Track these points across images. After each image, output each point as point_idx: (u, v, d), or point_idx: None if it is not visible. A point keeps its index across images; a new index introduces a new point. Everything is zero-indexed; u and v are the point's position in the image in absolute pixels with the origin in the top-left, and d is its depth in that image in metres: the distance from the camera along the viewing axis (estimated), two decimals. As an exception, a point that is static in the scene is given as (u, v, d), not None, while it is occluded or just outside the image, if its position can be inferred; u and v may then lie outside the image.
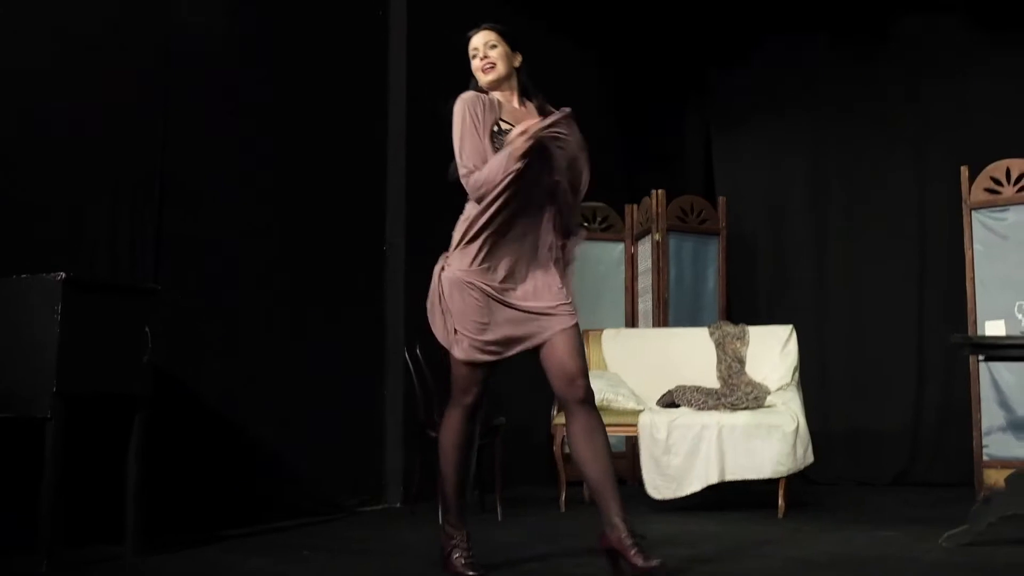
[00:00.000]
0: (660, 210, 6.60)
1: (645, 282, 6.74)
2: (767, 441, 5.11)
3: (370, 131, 5.79)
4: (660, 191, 6.64)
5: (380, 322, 5.70)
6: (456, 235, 3.38)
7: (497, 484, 5.04)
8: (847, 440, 6.82)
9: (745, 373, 5.62)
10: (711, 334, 5.81)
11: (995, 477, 5.72)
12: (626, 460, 6.33)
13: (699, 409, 5.30)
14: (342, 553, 3.97)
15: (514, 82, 3.53)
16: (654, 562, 3.11)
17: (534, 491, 5.98)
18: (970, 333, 5.81)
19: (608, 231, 6.95)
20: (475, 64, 3.56)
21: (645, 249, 6.75)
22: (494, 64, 3.52)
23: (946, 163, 6.60)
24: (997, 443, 5.90)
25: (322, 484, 5.18)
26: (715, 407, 5.31)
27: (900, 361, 6.88)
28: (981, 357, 4.48)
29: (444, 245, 3.42)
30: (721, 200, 6.98)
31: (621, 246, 6.95)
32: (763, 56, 7.37)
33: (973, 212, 6.07)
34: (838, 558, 3.77)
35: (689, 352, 5.78)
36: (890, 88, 7.07)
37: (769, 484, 5.21)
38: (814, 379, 6.78)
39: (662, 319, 6.52)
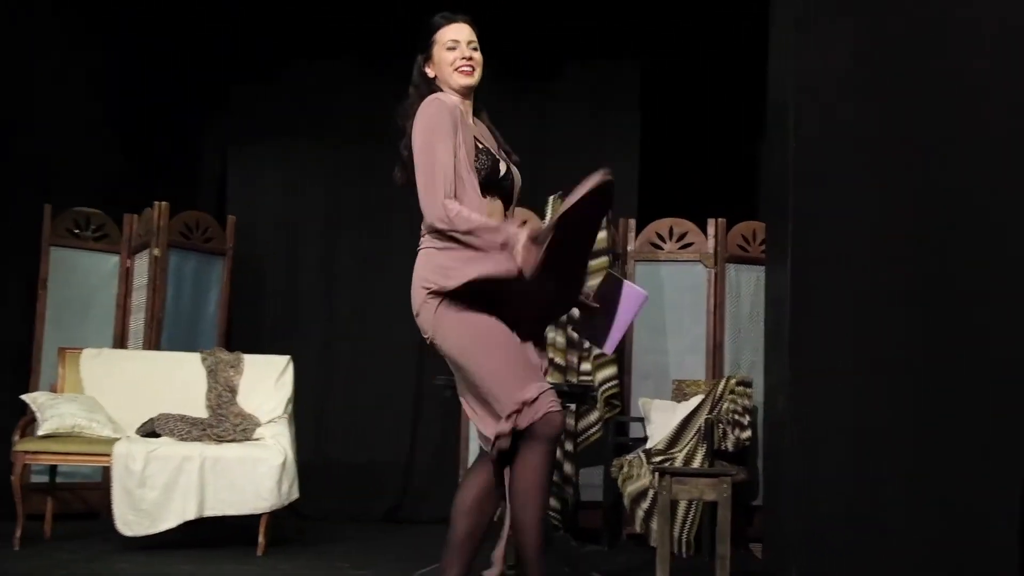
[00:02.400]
0: (162, 223, 6.40)
1: (139, 299, 6.48)
2: (252, 475, 5.10)
3: None
4: (164, 203, 6.44)
5: None
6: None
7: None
8: (342, 475, 6.96)
9: (236, 403, 5.57)
10: (203, 360, 5.71)
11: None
12: (100, 492, 6.01)
13: (182, 439, 5.19)
14: None
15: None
16: None
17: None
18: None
19: (102, 241, 6.61)
20: (449, 58, 3.27)
21: (142, 264, 6.50)
22: (474, 69, 3.28)
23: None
24: (481, 481, 6.31)
25: None
26: (200, 438, 5.22)
27: (401, 398, 7.15)
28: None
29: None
30: (230, 219, 6.90)
31: (116, 258, 6.63)
32: (291, 76, 7.41)
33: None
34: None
35: (178, 378, 5.63)
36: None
37: (254, 520, 5.20)
38: (313, 412, 6.88)
39: (154, 341, 6.30)
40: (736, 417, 5.48)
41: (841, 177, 3.82)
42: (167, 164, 7.42)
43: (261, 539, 5.12)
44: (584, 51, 7.17)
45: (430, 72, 3.38)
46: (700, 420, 5.45)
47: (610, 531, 5.89)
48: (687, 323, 6.25)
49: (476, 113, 3.38)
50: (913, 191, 3.78)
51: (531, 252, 2.99)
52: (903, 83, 3.83)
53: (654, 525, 5.09)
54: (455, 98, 3.29)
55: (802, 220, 3.84)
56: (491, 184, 3.24)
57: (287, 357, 5.77)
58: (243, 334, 6.92)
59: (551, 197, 5.99)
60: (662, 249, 6.35)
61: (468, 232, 3.11)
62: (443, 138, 3.16)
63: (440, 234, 3.20)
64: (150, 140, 7.37)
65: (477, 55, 3.31)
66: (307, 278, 7.32)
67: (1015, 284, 3.69)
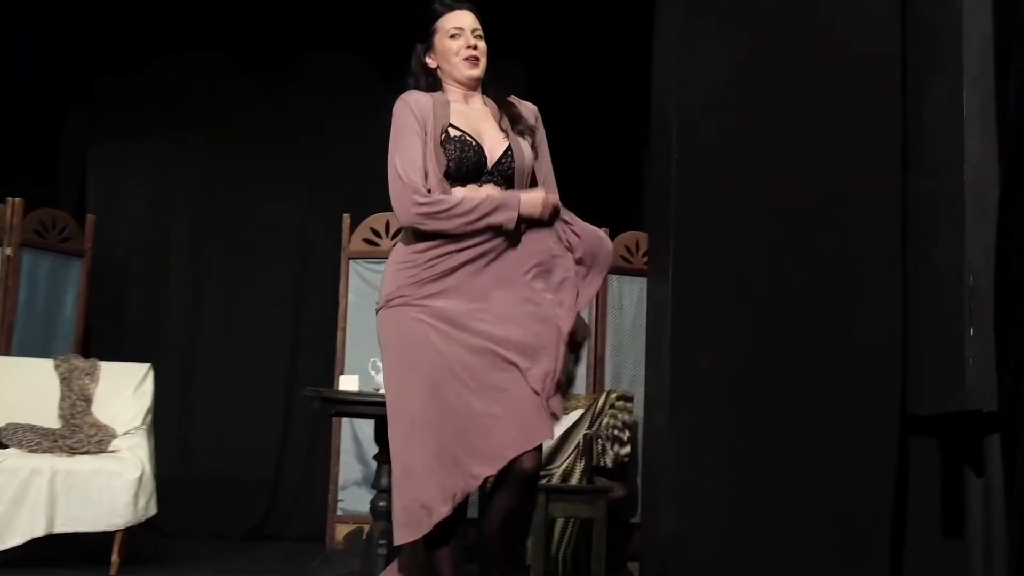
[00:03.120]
0: (15, 221, 6.12)
1: (-11, 301, 6.18)
2: (106, 489, 4.91)
3: None
4: (17, 200, 6.15)
5: None
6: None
7: None
8: (205, 490, 6.76)
9: (91, 413, 5.35)
10: (56, 367, 5.47)
11: (346, 532, 6.01)
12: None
13: (31, 451, 4.98)
14: None
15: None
16: None
17: None
18: (335, 387, 6.07)
19: (-51, 238, 6.29)
20: (454, 47, 3.17)
21: (-7, 264, 6.20)
22: (479, 59, 3.19)
23: (335, 209, 6.85)
24: (352, 498, 6.18)
25: None
26: (51, 449, 5.00)
27: (270, 410, 7.00)
28: (332, 412, 4.71)
29: None
30: (90, 219, 6.64)
31: (-35, 257, 6.32)
32: (159, 69, 7.19)
33: (351, 261, 6.39)
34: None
35: (29, 386, 5.39)
36: (291, 122, 7.22)
37: (108, 537, 5.00)
38: (176, 424, 6.72)
39: (4, 345, 6.01)
40: (616, 432, 5.48)
41: (722, 187, 3.84)
42: (23, 159, 7.13)
43: (115, 557, 4.93)
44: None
45: (431, 62, 3.31)
46: (579, 435, 5.43)
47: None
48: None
49: (484, 94, 3.32)
50: (789, 202, 3.83)
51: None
52: (786, 93, 3.87)
53: (529, 543, 5.04)
54: (451, 90, 3.27)
55: (684, 230, 3.84)
56: (470, 171, 3.16)
57: (147, 365, 5.59)
58: (102, 340, 6.69)
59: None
60: (630, 263, 6.33)
61: (450, 210, 3.05)
62: (406, 135, 3.13)
63: (417, 238, 3.13)
64: (3, 133, 7.06)
65: (482, 44, 3.26)
66: (172, 282, 7.13)
67: (878, 291, 3.77)
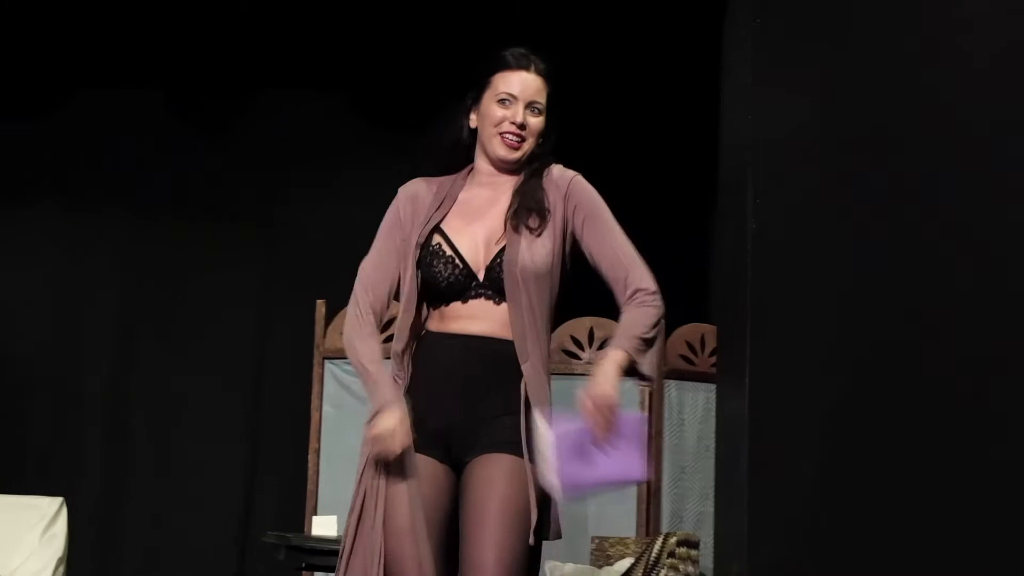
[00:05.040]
0: None
1: None
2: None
3: None
4: None
5: None
6: None
7: None
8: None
9: (-19, 563, 5.42)
10: (-64, 503, 5.55)
11: None
12: None
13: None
14: None
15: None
16: None
17: None
18: (306, 529, 6.05)
19: None
20: (497, 115, 3.27)
21: None
22: (522, 141, 3.28)
23: (303, 292, 6.87)
24: None
25: None
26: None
27: (219, 560, 7.02)
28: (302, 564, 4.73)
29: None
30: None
31: None
32: (71, 110, 7.33)
33: (326, 361, 6.42)
34: None
35: None
36: (243, 177, 7.38)
37: None
38: (99, 571, 6.77)
39: None
40: (677, 589, 5.50)
41: (812, 265, 3.89)
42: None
43: None
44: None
45: (472, 122, 3.39)
46: (629, 593, 5.45)
47: None
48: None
49: (528, 179, 3.35)
50: (900, 278, 3.87)
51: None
52: (878, 149, 3.93)
53: None
54: (426, 188, 3.37)
55: (764, 321, 3.90)
56: (448, 289, 3.26)
57: (59, 499, 5.62)
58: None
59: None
60: (579, 359, 6.33)
61: (353, 353, 3.23)
62: (381, 239, 3.32)
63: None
64: None
65: (535, 121, 3.33)
66: (89, 389, 7.18)
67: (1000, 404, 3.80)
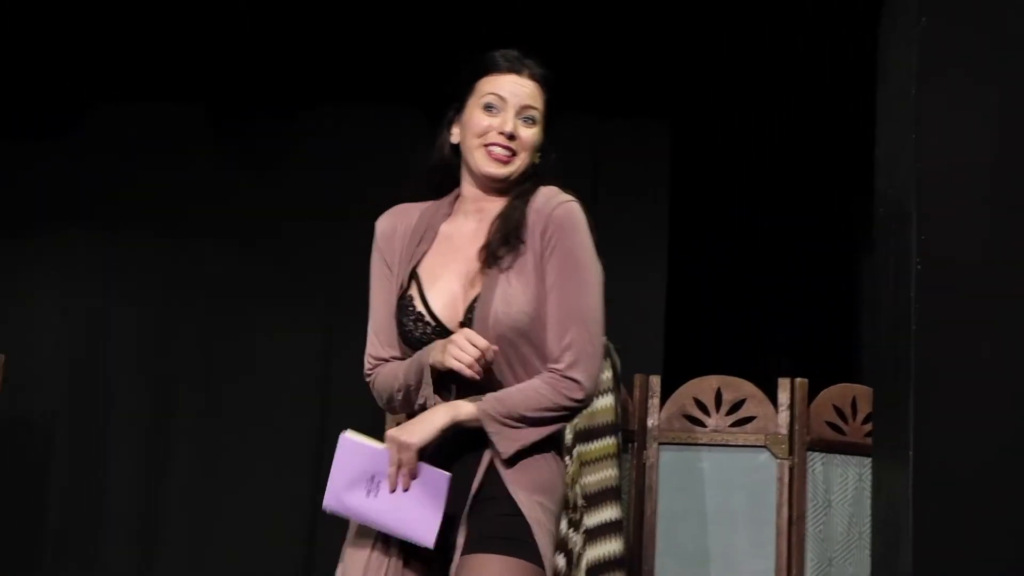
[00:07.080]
0: None
1: None
2: None
3: None
4: None
5: None
6: None
7: None
8: None
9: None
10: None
11: None
12: None
13: None
14: None
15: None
16: None
17: None
18: None
19: None
20: (482, 124, 3.28)
21: None
22: (515, 154, 3.31)
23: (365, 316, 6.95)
24: None
25: None
26: None
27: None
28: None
29: None
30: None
31: None
32: (93, 127, 7.47)
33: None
34: None
35: None
36: (295, 201, 7.58)
37: None
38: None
39: None
40: None
41: (992, 312, 3.88)
42: None
43: None
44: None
45: (454, 136, 3.42)
46: None
47: None
48: (743, 547, 6.23)
49: (510, 204, 3.34)
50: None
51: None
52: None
53: None
54: (405, 219, 3.46)
55: (931, 381, 3.89)
56: (421, 345, 3.30)
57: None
58: (11, 546, 6.84)
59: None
60: (704, 426, 6.32)
61: (391, 389, 3.31)
62: (374, 284, 3.42)
63: None
64: None
65: (527, 132, 3.34)
66: (119, 453, 7.28)
67: None
